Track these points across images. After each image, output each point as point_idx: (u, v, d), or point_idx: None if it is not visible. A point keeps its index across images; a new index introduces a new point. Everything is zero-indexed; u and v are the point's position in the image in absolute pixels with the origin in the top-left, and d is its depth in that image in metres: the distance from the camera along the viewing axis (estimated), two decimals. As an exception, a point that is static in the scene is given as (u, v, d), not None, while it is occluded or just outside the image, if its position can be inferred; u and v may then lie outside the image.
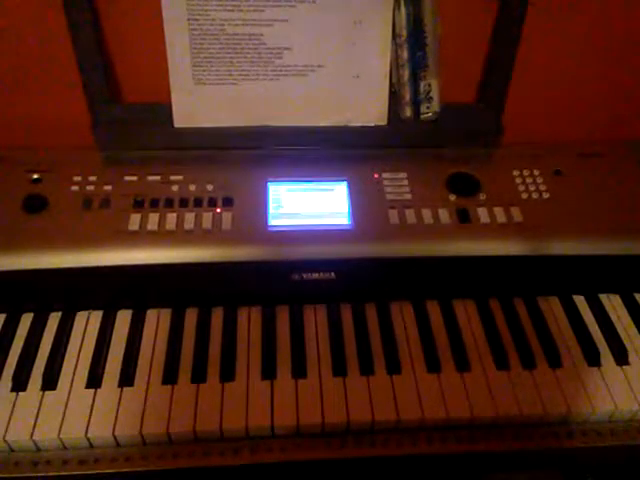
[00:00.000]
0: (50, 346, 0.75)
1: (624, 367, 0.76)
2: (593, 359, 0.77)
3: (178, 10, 0.81)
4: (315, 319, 0.80)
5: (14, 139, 0.92)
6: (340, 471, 0.71)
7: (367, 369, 0.74)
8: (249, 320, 0.79)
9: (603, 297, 0.84)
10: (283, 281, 0.80)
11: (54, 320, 0.78)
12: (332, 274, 0.81)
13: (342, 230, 0.83)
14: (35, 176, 0.86)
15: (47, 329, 0.77)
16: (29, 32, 0.86)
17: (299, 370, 0.73)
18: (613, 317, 0.82)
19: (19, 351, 0.74)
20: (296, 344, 0.76)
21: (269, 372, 0.73)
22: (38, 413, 0.69)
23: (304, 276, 0.81)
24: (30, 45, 0.87)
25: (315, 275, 0.81)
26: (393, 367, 0.74)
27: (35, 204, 0.82)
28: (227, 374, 0.73)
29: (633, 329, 0.81)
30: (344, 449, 0.70)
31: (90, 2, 0.82)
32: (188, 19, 0.82)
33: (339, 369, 0.74)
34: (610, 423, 0.73)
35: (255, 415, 0.69)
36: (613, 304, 0.84)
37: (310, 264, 0.81)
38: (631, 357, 0.77)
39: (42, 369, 0.73)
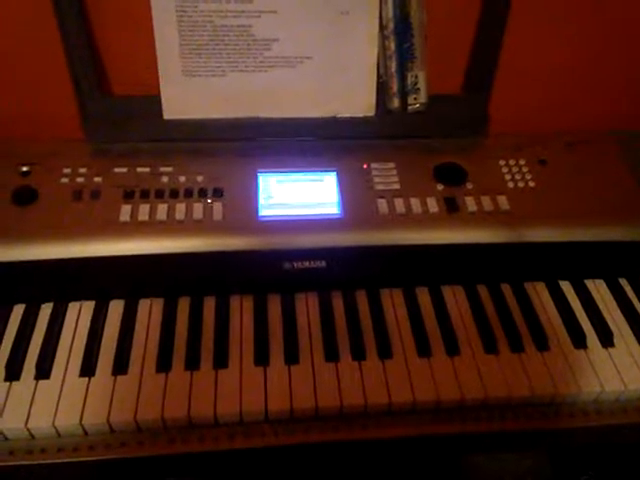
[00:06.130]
0: (43, 336, 0.75)
1: (610, 349, 0.78)
2: (579, 342, 0.78)
3: (166, 2, 0.82)
4: (307, 306, 0.80)
5: (3, 132, 0.92)
6: (333, 454, 0.72)
7: (359, 354, 0.75)
8: (241, 308, 0.79)
9: (589, 282, 0.86)
10: (274, 270, 0.81)
11: (46, 311, 0.78)
12: (323, 262, 0.82)
13: (332, 219, 0.84)
14: (24, 168, 0.86)
15: (39, 319, 0.77)
16: (16, 25, 0.86)
17: (292, 356, 0.74)
18: (598, 301, 0.83)
19: (12, 341, 0.74)
20: (288, 331, 0.77)
21: (262, 358, 0.74)
22: (32, 402, 0.69)
23: (295, 265, 0.81)
24: (18, 37, 0.87)
25: (306, 264, 0.81)
26: (384, 352, 0.75)
27: (25, 196, 0.83)
28: (220, 361, 0.73)
29: (618, 312, 0.82)
30: (337, 433, 0.70)
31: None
32: (176, 11, 0.82)
33: (331, 354, 0.75)
34: (596, 404, 0.75)
35: (249, 400, 0.70)
36: (598, 289, 0.85)
37: (301, 253, 0.81)
38: (616, 339, 0.79)
39: (35, 358, 0.73)
